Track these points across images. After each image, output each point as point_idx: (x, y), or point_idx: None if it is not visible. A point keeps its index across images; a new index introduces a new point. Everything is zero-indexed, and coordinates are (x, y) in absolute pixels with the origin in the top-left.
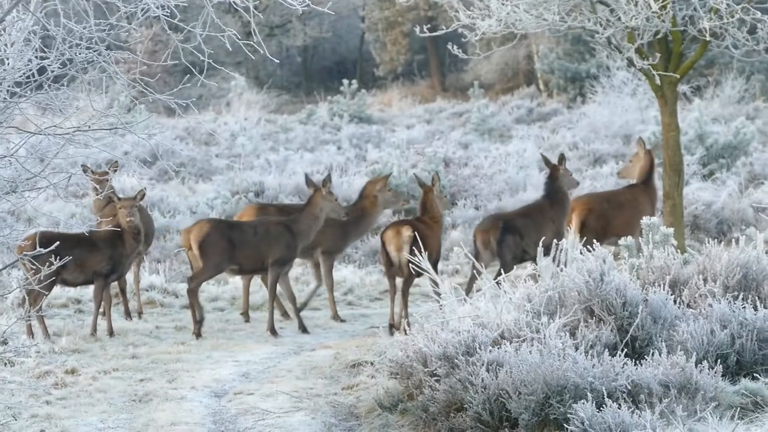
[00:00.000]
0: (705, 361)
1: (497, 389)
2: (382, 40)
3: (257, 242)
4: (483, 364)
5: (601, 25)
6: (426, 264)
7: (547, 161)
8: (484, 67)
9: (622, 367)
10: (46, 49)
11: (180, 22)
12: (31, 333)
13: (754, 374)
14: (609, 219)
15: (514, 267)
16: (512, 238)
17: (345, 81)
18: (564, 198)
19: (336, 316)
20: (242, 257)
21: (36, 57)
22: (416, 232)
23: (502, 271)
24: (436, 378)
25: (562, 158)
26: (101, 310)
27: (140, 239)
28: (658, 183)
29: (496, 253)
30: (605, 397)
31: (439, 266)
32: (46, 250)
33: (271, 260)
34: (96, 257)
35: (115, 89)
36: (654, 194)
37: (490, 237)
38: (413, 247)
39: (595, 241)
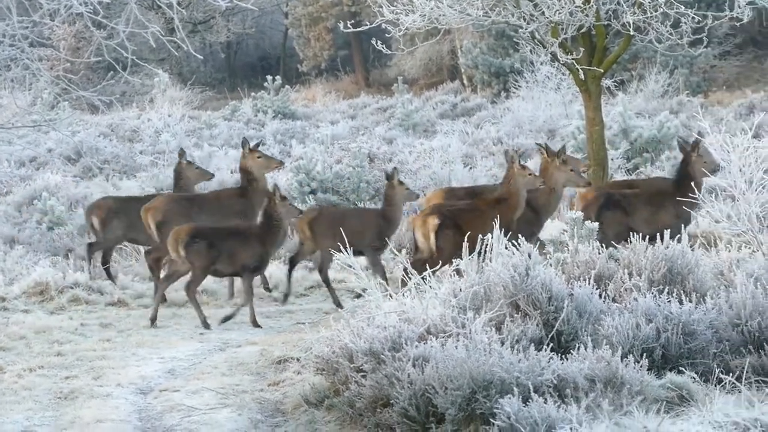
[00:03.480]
0: (630, 355)
1: (423, 384)
2: (306, 36)
3: (476, 222)
4: (409, 360)
5: (524, 20)
6: (351, 259)
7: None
8: (408, 63)
9: (548, 362)
10: None
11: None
12: None
13: (680, 368)
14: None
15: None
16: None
17: (269, 77)
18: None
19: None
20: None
21: None
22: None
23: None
24: (362, 374)
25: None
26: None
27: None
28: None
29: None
30: (531, 391)
31: (364, 262)
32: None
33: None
34: (247, 251)
35: (38, 86)
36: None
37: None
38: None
39: None
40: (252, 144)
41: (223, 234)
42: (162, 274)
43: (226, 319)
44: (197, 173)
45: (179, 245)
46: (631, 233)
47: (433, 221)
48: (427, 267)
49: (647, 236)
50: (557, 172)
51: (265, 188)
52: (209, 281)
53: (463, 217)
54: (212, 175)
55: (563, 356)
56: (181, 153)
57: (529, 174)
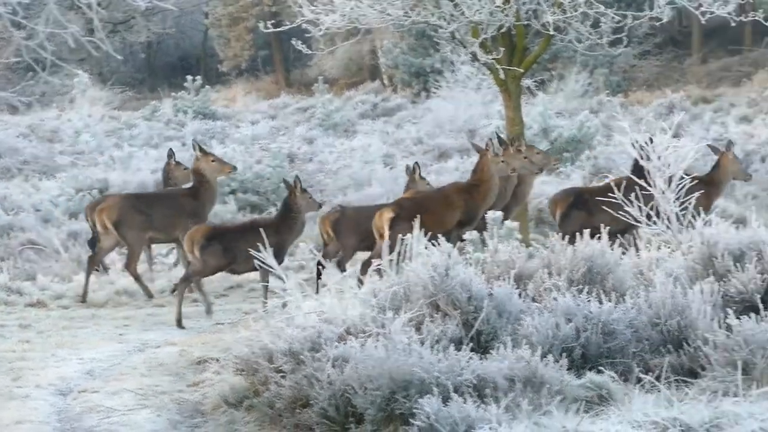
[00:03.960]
0: (550, 354)
1: (343, 385)
2: (226, 36)
3: (439, 209)
4: (328, 360)
5: (445, 19)
6: (271, 260)
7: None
8: (328, 62)
9: (468, 362)
10: None
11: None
12: None
13: (599, 367)
14: None
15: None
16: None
17: (189, 77)
18: None
19: None
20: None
21: None
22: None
23: None
24: (281, 374)
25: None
26: None
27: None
28: None
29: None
30: (451, 391)
31: (286, 262)
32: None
33: (456, 223)
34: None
35: None
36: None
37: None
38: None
39: None
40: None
41: (238, 233)
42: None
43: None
44: (185, 174)
45: (195, 247)
46: None
47: (388, 214)
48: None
49: None
50: (511, 159)
51: (216, 190)
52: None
53: (425, 206)
54: None
55: (483, 356)
56: (170, 154)
57: (502, 161)
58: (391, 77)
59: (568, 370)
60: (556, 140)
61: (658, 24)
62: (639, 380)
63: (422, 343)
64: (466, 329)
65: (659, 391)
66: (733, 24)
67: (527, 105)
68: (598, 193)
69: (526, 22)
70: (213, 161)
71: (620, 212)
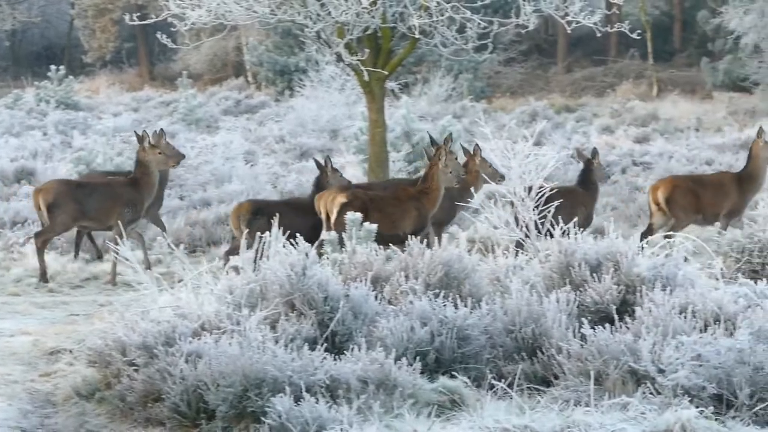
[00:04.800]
0: (404, 357)
1: (196, 380)
2: (92, 27)
3: (391, 211)
4: (182, 355)
5: (311, 19)
6: (129, 253)
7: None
8: (193, 57)
9: (321, 362)
10: None
11: None
12: None
13: (453, 372)
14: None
15: None
16: None
17: (53, 67)
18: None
19: None
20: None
21: None
22: None
23: None
24: (134, 368)
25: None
26: None
27: None
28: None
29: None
30: (303, 391)
31: (141, 255)
32: None
33: (409, 230)
34: (303, 223)
35: None
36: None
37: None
38: None
39: None
40: (158, 132)
41: (282, 208)
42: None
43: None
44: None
45: (241, 222)
46: None
47: (341, 199)
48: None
49: None
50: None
51: (155, 182)
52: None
53: (376, 205)
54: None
55: (337, 357)
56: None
57: (450, 172)
58: (255, 74)
59: (421, 373)
60: (417, 144)
61: (524, 31)
62: (492, 386)
63: (276, 342)
64: (321, 329)
65: (511, 398)
66: (598, 34)
67: (390, 107)
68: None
69: (392, 25)
70: (159, 153)
71: None
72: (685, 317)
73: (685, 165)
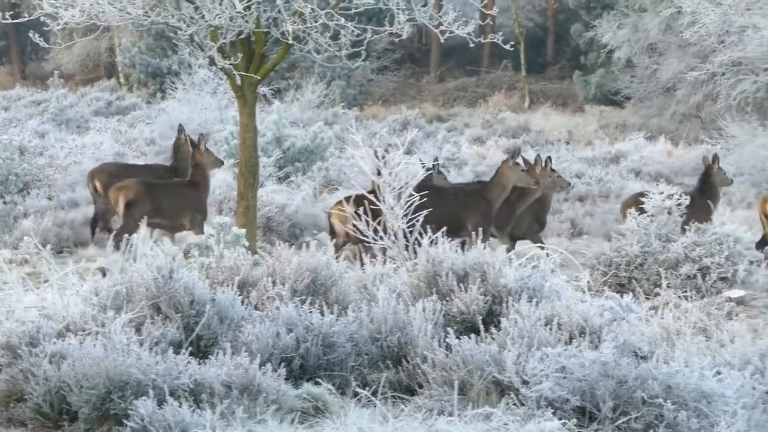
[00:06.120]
0: (269, 363)
1: (59, 381)
2: None
3: (456, 207)
4: (46, 356)
5: (184, 22)
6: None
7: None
8: (65, 57)
9: (186, 366)
10: None
11: None
12: None
13: (317, 379)
14: None
15: None
16: None
17: None
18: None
19: None
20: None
21: None
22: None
23: None
24: None
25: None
26: None
27: None
28: None
29: None
30: (167, 394)
31: (8, 255)
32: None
33: (471, 226)
34: None
35: None
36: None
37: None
38: None
39: None
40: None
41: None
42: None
43: None
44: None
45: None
46: None
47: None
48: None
49: None
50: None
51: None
52: None
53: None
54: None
55: (202, 361)
56: (180, 129)
57: (213, 157)
58: (127, 76)
59: (286, 379)
60: (289, 149)
61: (397, 40)
62: (356, 394)
63: (141, 345)
64: (187, 333)
65: (375, 406)
66: (472, 45)
67: (262, 112)
68: None
69: (265, 30)
70: (212, 157)
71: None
72: (551, 329)
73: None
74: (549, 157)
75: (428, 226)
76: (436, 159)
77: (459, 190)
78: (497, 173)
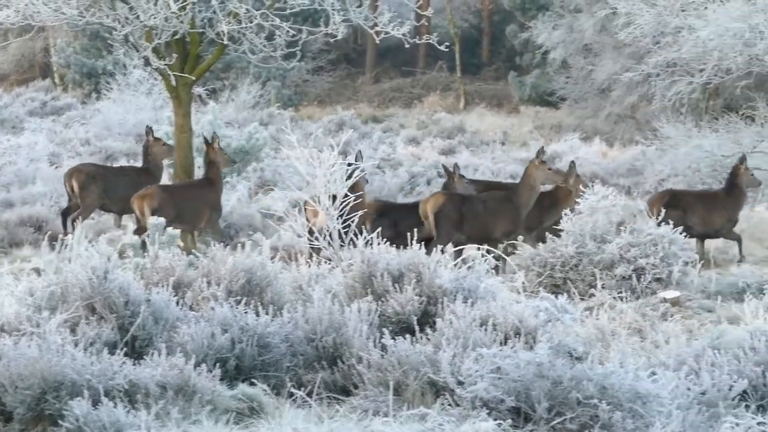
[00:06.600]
0: (204, 364)
1: None
2: None
3: (485, 215)
4: None
5: (119, 22)
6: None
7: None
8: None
9: (121, 366)
10: None
11: None
12: None
13: (253, 380)
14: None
15: None
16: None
17: None
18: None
19: None
20: (470, 228)
21: None
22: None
23: None
24: None
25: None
26: None
27: None
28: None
29: None
30: (102, 395)
31: None
32: None
33: (499, 233)
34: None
35: None
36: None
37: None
38: None
39: None
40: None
41: (405, 211)
42: None
43: None
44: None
45: (367, 220)
46: None
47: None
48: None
49: None
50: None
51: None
52: None
53: (469, 207)
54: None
55: (137, 361)
56: (149, 131)
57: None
58: (62, 76)
59: (221, 380)
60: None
61: (332, 40)
62: (291, 395)
63: (76, 345)
64: (122, 334)
65: (311, 407)
66: (407, 46)
67: (198, 113)
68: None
69: (200, 30)
70: (225, 155)
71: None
72: (486, 330)
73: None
74: (572, 163)
75: (457, 237)
76: (456, 165)
77: (487, 197)
78: (525, 174)
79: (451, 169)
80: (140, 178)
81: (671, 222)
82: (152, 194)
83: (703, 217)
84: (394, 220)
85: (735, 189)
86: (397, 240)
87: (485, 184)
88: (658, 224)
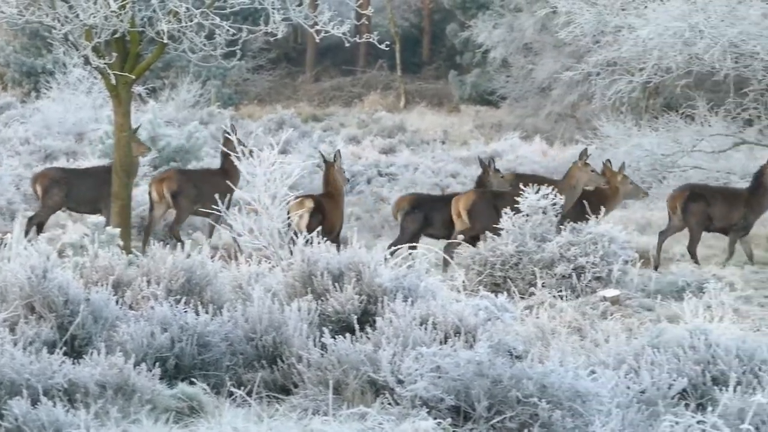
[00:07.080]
0: (144, 363)
1: None
2: None
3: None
4: None
5: (59, 21)
6: None
7: None
8: None
9: (60, 365)
10: None
11: None
12: None
13: (192, 379)
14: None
15: None
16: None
17: None
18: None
19: None
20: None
21: None
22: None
23: None
24: None
25: None
26: None
27: None
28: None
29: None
30: (41, 394)
31: None
32: None
33: None
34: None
35: None
36: None
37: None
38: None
39: None
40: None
41: (439, 203)
42: None
43: None
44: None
45: (399, 212)
46: None
47: (170, 184)
48: None
49: None
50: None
51: None
52: None
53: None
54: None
55: (76, 361)
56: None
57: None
58: (1, 75)
59: (161, 379)
60: (164, 149)
61: (273, 39)
62: (231, 394)
63: (15, 344)
64: (61, 333)
65: (250, 406)
66: (347, 45)
67: (138, 112)
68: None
69: (140, 29)
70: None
71: None
72: (426, 329)
73: (430, 177)
74: (622, 164)
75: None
76: (491, 159)
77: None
78: (567, 174)
79: (486, 163)
80: (108, 177)
81: (694, 216)
82: (170, 177)
83: (723, 212)
84: (426, 213)
85: (760, 189)
86: (430, 231)
87: (530, 178)
88: (681, 220)
